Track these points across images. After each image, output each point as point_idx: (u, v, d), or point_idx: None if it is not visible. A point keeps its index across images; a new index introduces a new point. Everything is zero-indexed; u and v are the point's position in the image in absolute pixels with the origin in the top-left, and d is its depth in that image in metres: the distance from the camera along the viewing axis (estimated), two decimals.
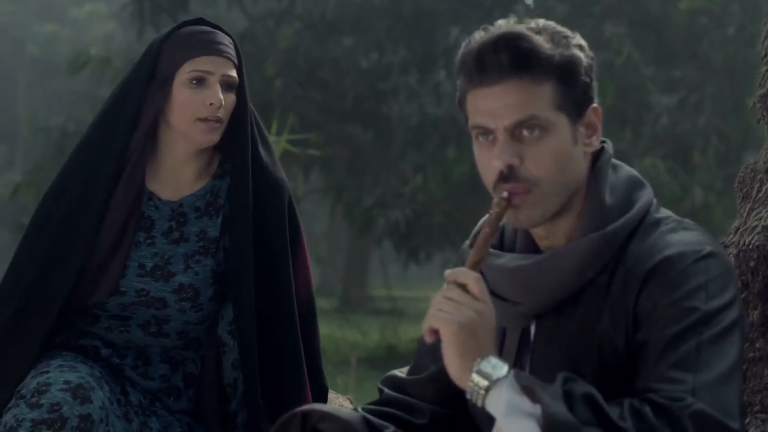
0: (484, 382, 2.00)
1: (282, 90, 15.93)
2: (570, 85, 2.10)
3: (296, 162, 15.19)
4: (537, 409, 1.95)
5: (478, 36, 2.12)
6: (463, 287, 2.06)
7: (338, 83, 16.39)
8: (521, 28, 2.10)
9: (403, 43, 15.88)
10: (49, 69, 30.92)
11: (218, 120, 2.86)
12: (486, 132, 2.11)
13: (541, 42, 2.09)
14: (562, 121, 2.10)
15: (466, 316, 2.02)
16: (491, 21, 2.20)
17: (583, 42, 2.15)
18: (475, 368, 2.01)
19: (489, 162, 2.12)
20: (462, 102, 2.16)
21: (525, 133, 2.09)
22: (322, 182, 18.89)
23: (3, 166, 29.70)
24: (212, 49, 2.87)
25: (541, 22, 2.13)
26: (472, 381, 2.01)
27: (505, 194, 2.10)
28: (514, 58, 2.07)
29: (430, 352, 2.32)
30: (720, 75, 16.07)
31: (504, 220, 2.19)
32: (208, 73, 2.85)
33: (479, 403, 2.01)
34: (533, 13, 15.11)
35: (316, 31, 16.30)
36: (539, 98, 2.08)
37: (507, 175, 2.09)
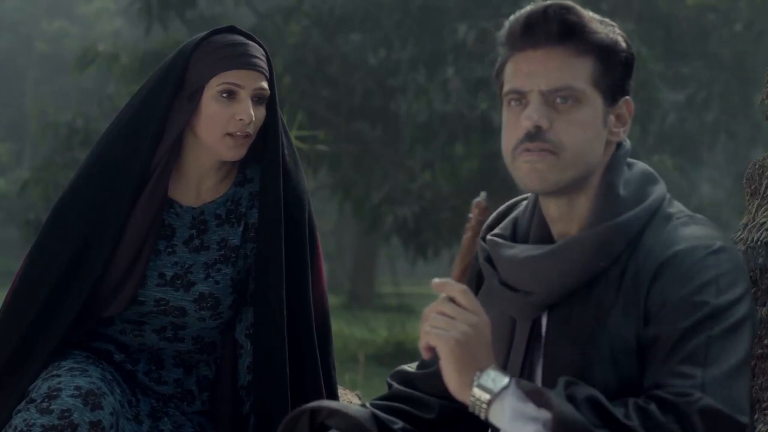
0: (486, 396, 2.01)
1: (290, 86, 15.92)
2: (609, 66, 2.13)
3: (304, 159, 15.18)
4: (542, 413, 1.96)
5: (528, 8, 2.15)
6: (453, 300, 2.06)
7: (346, 80, 16.38)
8: (572, 2, 2.15)
9: (411, 39, 15.87)
10: (58, 65, 30.97)
11: (247, 135, 2.80)
12: (520, 96, 2.12)
13: (590, 18, 2.14)
14: (596, 98, 2.12)
15: (461, 332, 2.02)
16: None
17: (625, 36, 2.19)
18: (475, 383, 2.02)
19: (517, 123, 2.13)
20: (500, 72, 2.18)
21: (558, 101, 2.10)
22: (330, 179, 18.89)
23: (11, 162, 29.74)
24: (244, 62, 2.79)
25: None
26: (473, 395, 2.02)
27: (482, 195, 2.10)
28: (561, 27, 2.11)
29: None
30: (728, 72, 16.07)
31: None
32: (239, 86, 2.77)
33: (482, 416, 2.02)
34: None
35: (324, 28, 16.30)
36: (578, 70, 2.11)
37: (533, 134, 2.10)
